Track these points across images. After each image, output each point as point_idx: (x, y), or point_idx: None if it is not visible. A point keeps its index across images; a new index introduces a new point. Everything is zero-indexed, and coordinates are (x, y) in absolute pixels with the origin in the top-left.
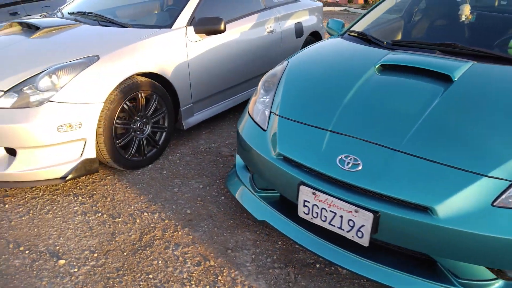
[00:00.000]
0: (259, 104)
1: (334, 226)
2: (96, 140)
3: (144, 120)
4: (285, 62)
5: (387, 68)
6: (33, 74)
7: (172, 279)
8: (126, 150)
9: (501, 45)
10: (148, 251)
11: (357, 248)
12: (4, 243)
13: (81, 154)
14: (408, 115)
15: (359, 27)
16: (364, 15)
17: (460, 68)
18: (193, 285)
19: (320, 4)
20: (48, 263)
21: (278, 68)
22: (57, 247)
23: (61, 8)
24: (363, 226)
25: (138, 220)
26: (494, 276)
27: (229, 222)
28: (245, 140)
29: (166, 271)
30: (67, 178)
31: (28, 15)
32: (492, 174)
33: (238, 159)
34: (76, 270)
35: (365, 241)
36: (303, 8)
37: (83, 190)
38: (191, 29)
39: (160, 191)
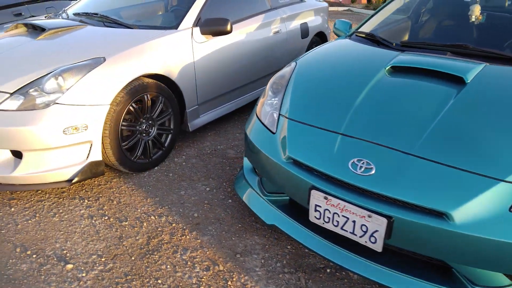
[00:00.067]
0: (267, 106)
1: (347, 231)
2: (102, 143)
3: (150, 122)
4: (293, 64)
5: (398, 70)
6: (39, 76)
7: (181, 284)
8: (132, 153)
9: None
10: (156, 256)
11: (368, 253)
12: (11, 247)
13: (87, 157)
14: (421, 118)
15: (367, 28)
16: (373, 15)
17: (473, 70)
18: None
19: (326, 4)
20: (55, 267)
21: (286, 70)
22: (64, 251)
23: (66, 9)
24: (376, 231)
25: (145, 224)
26: (511, 282)
27: (237, 226)
28: (253, 143)
29: (175, 276)
30: (73, 181)
31: (32, 16)
32: (509, 179)
33: (246, 162)
34: (84, 275)
35: (378, 247)
36: (308, 9)
37: (89, 193)
38: (197, 30)
39: (166, 194)
